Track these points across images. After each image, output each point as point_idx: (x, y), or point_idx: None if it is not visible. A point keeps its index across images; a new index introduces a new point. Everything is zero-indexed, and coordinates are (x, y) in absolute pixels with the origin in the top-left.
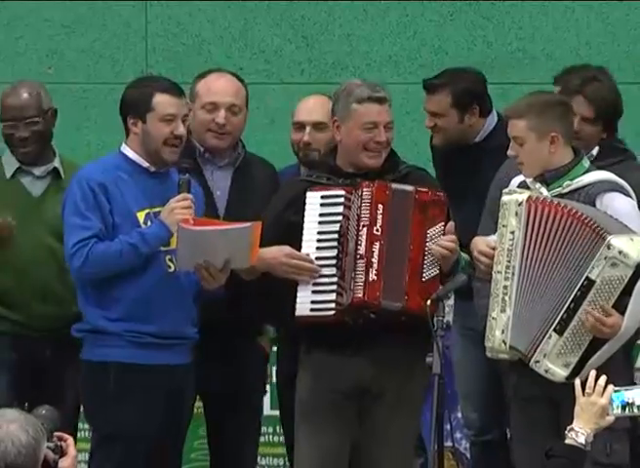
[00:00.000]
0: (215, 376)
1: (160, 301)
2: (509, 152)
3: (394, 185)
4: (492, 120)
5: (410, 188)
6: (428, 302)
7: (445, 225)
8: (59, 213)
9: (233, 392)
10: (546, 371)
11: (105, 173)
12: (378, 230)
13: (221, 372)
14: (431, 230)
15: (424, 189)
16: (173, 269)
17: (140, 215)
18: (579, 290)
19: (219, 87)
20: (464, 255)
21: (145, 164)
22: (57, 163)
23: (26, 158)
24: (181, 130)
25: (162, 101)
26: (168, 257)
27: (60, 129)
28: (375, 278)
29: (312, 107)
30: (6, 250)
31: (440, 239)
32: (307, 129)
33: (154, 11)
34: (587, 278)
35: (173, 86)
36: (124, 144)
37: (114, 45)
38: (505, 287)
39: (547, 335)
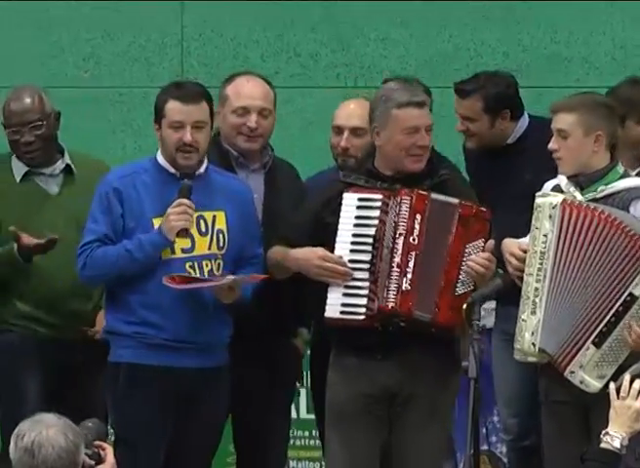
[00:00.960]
0: (247, 376)
1: (176, 306)
2: (550, 145)
3: (434, 196)
4: (523, 122)
5: (454, 201)
6: (464, 307)
7: (485, 242)
8: (79, 208)
9: (264, 392)
10: (581, 382)
11: (125, 177)
12: (414, 240)
13: (254, 372)
14: (471, 245)
15: (469, 203)
16: (193, 275)
17: (157, 222)
18: (621, 304)
19: (249, 91)
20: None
21: (172, 170)
22: (67, 160)
23: (33, 162)
24: (189, 137)
25: (172, 108)
26: (189, 264)
27: (96, 132)
28: (408, 288)
29: (352, 112)
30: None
31: (477, 256)
32: (345, 134)
33: (190, 15)
34: (631, 294)
35: (188, 93)
36: (159, 150)
37: (150, 49)
38: (536, 289)
39: (585, 347)
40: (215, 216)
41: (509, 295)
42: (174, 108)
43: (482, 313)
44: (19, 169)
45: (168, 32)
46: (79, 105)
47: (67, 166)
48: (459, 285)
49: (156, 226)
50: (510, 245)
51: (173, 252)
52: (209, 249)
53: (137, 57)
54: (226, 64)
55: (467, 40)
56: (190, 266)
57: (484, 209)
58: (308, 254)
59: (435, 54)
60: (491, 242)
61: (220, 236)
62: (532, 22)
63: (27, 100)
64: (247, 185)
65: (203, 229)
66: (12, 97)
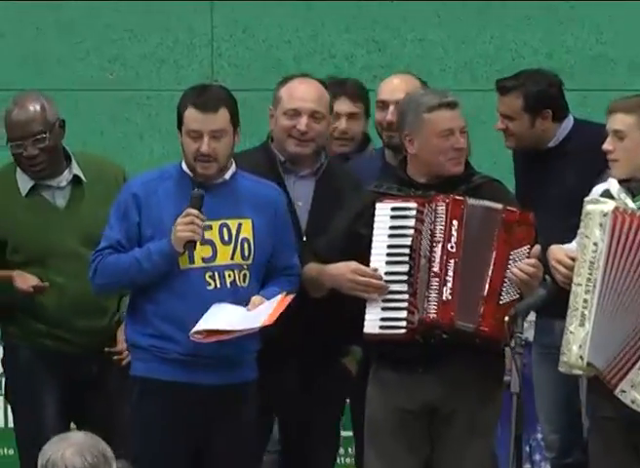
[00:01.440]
0: (291, 404)
1: (191, 320)
2: (605, 146)
3: (473, 201)
4: (567, 124)
5: (497, 206)
6: (506, 319)
7: (531, 248)
8: (88, 220)
9: (309, 419)
10: (633, 402)
11: (147, 183)
12: (452, 247)
13: (298, 400)
14: (515, 252)
15: (513, 208)
16: (213, 287)
17: None
18: None
19: (301, 92)
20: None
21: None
22: (75, 169)
23: (38, 175)
24: (206, 148)
25: (189, 116)
26: (208, 274)
27: (123, 137)
28: (449, 297)
29: (396, 86)
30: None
31: (523, 263)
32: (390, 108)
33: (220, 14)
34: None
35: (207, 100)
36: None
37: (178, 50)
38: (585, 300)
39: (637, 366)
40: (240, 224)
41: (549, 307)
42: (191, 116)
43: (525, 325)
44: (24, 182)
45: (197, 33)
46: (105, 109)
47: (75, 176)
48: (503, 293)
49: None
50: (557, 252)
51: (192, 261)
52: (232, 258)
53: (164, 58)
54: (258, 66)
55: (509, 41)
56: (210, 277)
57: (528, 213)
58: (342, 269)
59: (475, 55)
60: (537, 248)
61: (246, 245)
62: (576, 22)
63: (30, 111)
64: (279, 191)
65: (226, 238)
66: (12, 108)
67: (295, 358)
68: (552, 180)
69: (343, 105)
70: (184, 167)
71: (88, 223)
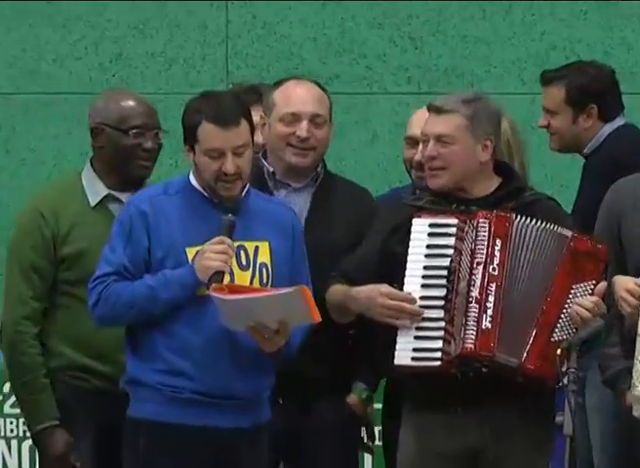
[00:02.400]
0: (291, 440)
1: (207, 353)
2: None
3: (520, 218)
4: (610, 128)
5: (567, 232)
6: (558, 352)
7: (596, 285)
8: None
9: (311, 457)
10: None
11: (153, 199)
12: (494, 269)
13: (299, 435)
14: (578, 286)
15: (584, 238)
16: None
17: (190, 253)
18: None
19: (299, 95)
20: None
21: (207, 193)
22: (145, 184)
23: (144, 174)
24: (229, 167)
25: (207, 133)
26: None
27: None
28: (489, 326)
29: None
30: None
31: (585, 300)
32: (421, 146)
33: (236, 9)
34: None
35: (226, 113)
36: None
37: (189, 49)
38: None
39: None
40: (257, 247)
41: (604, 338)
42: (208, 133)
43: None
44: (94, 192)
45: (210, 29)
46: None
47: None
48: (557, 330)
49: (190, 258)
50: (625, 281)
51: (209, 288)
52: (250, 284)
53: (174, 57)
54: (279, 66)
55: (562, 38)
56: None
57: (601, 246)
58: (371, 292)
59: (524, 54)
60: (603, 285)
61: (264, 270)
62: (637, 18)
63: (147, 103)
64: (294, 213)
65: (244, 262)
66: (121, 97)
67: (296, 391)
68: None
69: (259, 116)
70: (193, 181)
71: None
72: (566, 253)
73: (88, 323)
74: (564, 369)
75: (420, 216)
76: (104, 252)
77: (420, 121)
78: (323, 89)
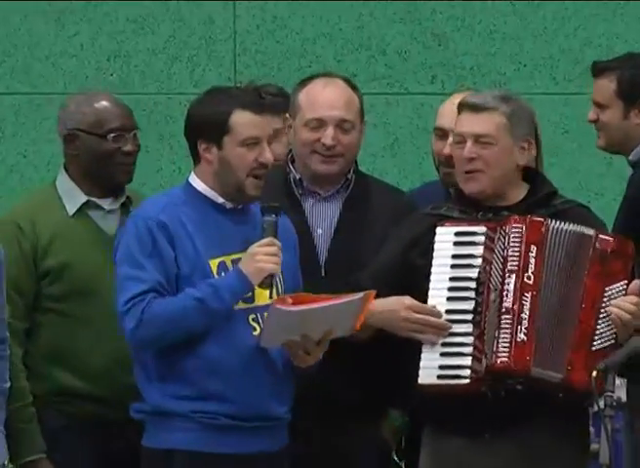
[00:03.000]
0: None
1: (240, 372)
2: None
3: (555, 223)
4: None
5: (589, 232)
6: (594, 373)
7: (628, 283)
8: None
9: None
10: None
11: (168, 210)
12: (529, 278)
13: (327, 462)
14: (610, 288)
15: (608, 236)
16: (258, 332)
17: (213, 265)
18: None
19: (325, 98)
20: None
21: (220, 199)
22: (128, 192)
23: (125, 180)
24: (268, 156)
25: (242, 121)
26: (252, 317)
27: None
28: (524, 338)
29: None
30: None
31: (622, 300)
32: (450, 138)
33: (244, 2)
34: None
35: (255, 99)
36: (192, 174)
37: (193, 45)
38: None
39: None
40: None
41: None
42: (244, 121)
43: (617, 382)
44: (72, 200)
45: (217, 24)
46: None
47: (127, 200)
48: (596, 338)
49: (214, 271)
50: None
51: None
52: (270, 298)
53: (177, 55)
54: (291, 65)
55: (598, 34)
56: (254, 319)
57: (627, 241)
58: (394, 305)
59: (557, 51)
60: (636, 282)
61: (278, 281)
62: None
63: (122, 104)
64: (288, 218)
65: None
66: (96, 97)
67: (318, 420)
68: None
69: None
70: (200, 188)
71: None
72: (593, 254)
73: (79, 341)
74: (600, 392)
75: (443, 225)
76: (127, 273)
77: (452, 111)
78: (354, 86)
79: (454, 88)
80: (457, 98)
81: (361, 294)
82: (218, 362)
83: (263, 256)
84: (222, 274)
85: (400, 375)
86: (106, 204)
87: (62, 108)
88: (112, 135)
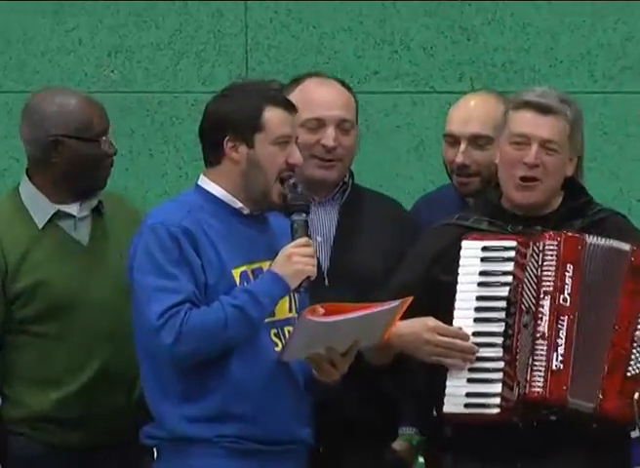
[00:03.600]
0: None
1: (264, 392)
2: None
3: (593, 239)
4: None
5: (624, 247)
6: (636, 396)
7: None
8: (117, 263)
9: None
10: None
11: (191, 216)
12: (565, 300)
13: None
14: None
15: None
16: (280, 348)
17: (236, 274)
18: None
19: (323, 96)
20: None
21: (238, 204)
22: (99, 195)
23: (104, 183)
24: (299, 156)
25: (275, 118)
26: (274, 331)
27: (127, 153)
28: (560, 367)
29: (471, 113)
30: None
31: None
32: (462, 145)
33: None
34: None
35: (282, 96)
36: (203, 177)
37: (201, 40)
38: None
39: None
40: None
41: None
42: (278, 118)
43: None
44: (40, 211)
45: (226, 17)
46: None
47: (98, 205)
48: (632, 362)
49: (237, 281)
50: None
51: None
52: (290, 311)
53: (183, 50)
54: (307, 61)
55: (639, 28)
56: (275, 334)
57: None
58: (416, 328)
59: (595, 46)
60: None
61: (295, 293)
62: None
63: (97, 104)
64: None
65: None
66: (67, 99)
67: (333, 439)
68: None
69: None
70: (219, 193)
71: (117, 266)
72: (627, 271)
73: (58, 361)
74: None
75: (469, 238)
76: (156, 283)
77: (461, 115)
78: (348, 88)
79: (483, 86)
80: (469, 100)
81: (397, 302)
82: (242, 381)
83: (302, 258)
84: (245, 284)
85: (415, 395)
86: (75, 211)
87: (34, 110)
88: (103, 138)
